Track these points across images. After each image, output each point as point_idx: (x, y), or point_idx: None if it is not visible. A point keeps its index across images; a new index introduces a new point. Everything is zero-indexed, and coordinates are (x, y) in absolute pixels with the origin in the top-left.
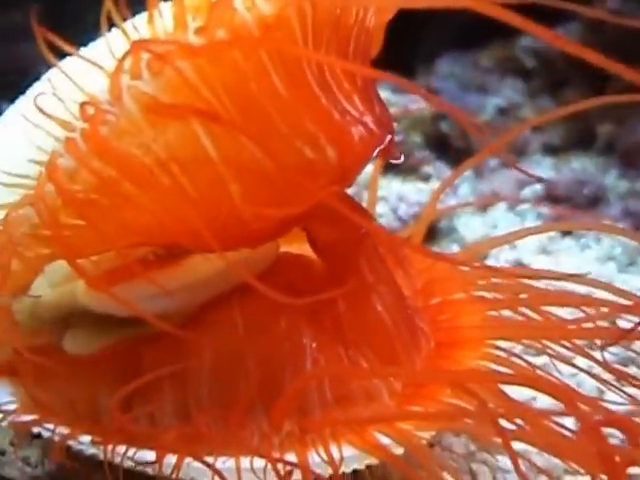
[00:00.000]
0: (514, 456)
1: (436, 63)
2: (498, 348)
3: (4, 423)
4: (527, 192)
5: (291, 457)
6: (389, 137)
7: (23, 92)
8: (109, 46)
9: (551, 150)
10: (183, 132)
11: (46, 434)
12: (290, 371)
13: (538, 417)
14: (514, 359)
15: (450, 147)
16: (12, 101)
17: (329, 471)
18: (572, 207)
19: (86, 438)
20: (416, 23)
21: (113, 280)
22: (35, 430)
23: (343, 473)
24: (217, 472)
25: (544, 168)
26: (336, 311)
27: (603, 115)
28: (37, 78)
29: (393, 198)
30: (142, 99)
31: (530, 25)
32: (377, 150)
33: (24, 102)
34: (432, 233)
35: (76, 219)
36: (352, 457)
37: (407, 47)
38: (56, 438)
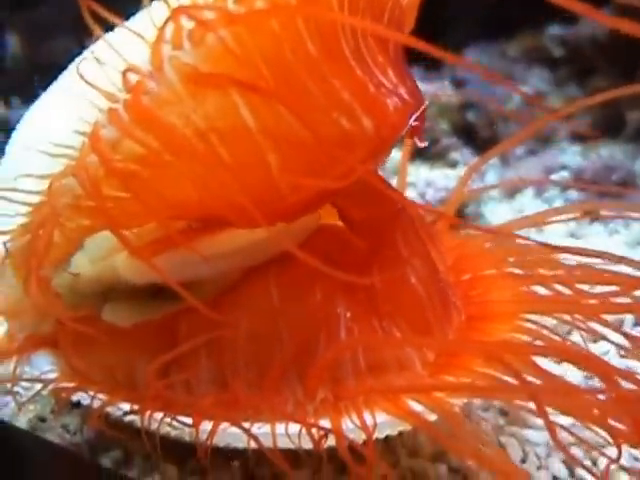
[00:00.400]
0: (548, 422)
1: (463, 53)
2: (530, 322)
3: (45, 391)
4: (554, 179)
5: (325, 423)
6: (422, 107)
7: None
8: (152, 18)
9: (579, 138)
10: (222, 102)
11: (85, 402)
12: (324, 340)
13: (571, 387)
14: (546, 332)
15: (477, 136)
16: None
17: (362, 437)
18: (600, 193)
19: (124, 406)
20: (444, 13)
21: (155, 251)
22: (74, 399)
23: (376, 439)
24: (253, 436)
25: (571, 156)
26: (370, 282)
27: (633, 102)
28: None
29: (421, 184)
30: (183, 69)
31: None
32: (411, 120)
33: (68, 74)
34: (459, 217)
35: (118, 190)
36: (385, 424)
37: (434, 37)
38: (94, 406)
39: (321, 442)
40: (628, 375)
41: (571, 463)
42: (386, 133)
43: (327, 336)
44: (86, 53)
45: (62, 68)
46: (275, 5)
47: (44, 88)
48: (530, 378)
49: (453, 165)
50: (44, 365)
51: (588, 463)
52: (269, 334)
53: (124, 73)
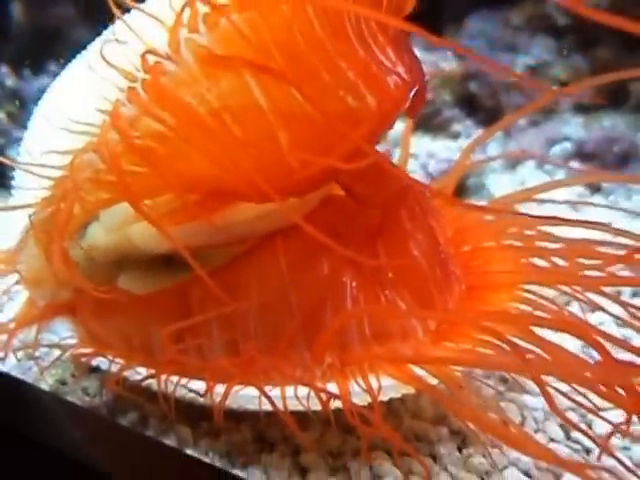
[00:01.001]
0: (544, 389)
1: (465, 21)
2: (530, 292)
3: (65, 356)
4: (556, 150)
5: (332, 387)
6: (420, 84)
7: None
8: (168, 1)
9: (582, 108)
10: (235, 82)
11: (103, 367)
12: (331, 308)
13: (566, 354)
14: (545, 302)
15: (479, 106)
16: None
17: (367, 401)
18: (602, 164)
19: (140, 370)
20: None
21: (170, 221)
22: (93, 363)
23: (380, 403)
24: (267, 396)
25: (574, 127)
26: (376, 254)
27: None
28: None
29: (423, 155)
30: (198, 51)
31: None
32: (410, 96)
33: (90, 53)
34: (461, 190)
35: (136, 165)
36: (389, 387)
37: (435, 5)
38: (112, 370)
39: (328, 404)
40: (623, 344)
41: (567, 426)
42: (388, 108)
43: (334, 304)
44: (106, 34)
45: (65, 34)
46: None
47: (51, 56)
48: (527, 345)
49: (455, 137)
50: (64, 331)
51: (583, 426)
52: (278, 302)
53: (143, 55)
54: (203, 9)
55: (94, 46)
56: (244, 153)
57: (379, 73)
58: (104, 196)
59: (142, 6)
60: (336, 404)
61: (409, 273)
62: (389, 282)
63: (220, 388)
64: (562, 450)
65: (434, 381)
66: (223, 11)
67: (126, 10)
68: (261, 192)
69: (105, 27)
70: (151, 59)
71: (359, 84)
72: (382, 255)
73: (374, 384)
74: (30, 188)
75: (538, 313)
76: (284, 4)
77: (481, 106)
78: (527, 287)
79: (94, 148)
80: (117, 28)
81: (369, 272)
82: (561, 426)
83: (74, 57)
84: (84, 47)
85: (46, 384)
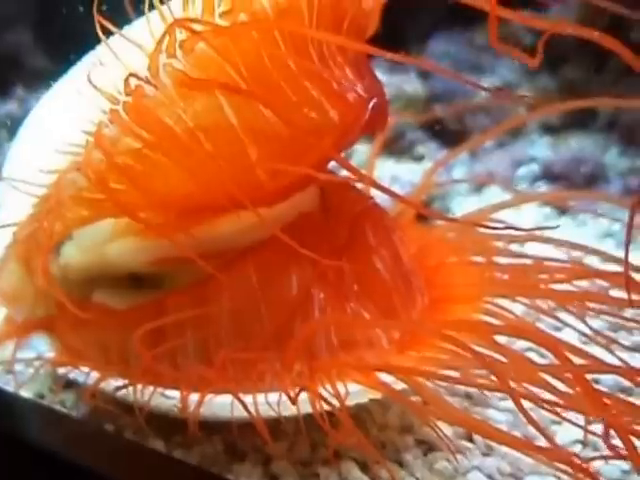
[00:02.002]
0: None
1: (429, 42)
2: (492, 304)
3: (43, 371)
4: (523, 171)
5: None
6: (380, 102)
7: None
8: (148, 27)
9: (549, 129)
10: (209, 103)
11: (80, 380)
12: (300, 318)
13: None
14: (506, 313)
15: (444, 128)
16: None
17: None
18: (569, 186)
19: (116, 382)
20: (409, 1)
21: (149, 235)
22: (70, 377)
23: (347, 408)
24: (240, 400)
25: (541, 147)
26: (341, 268)
27: (604, 92)
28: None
29: (387, 178)
30: (175, 75)
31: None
32: (368, 113)
33: (72, 76)
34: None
35: (118, 183)
36: (355, 393)
37: (399, 26)
38: (88, 383)
39: (297, 400)
40: (581, 353)
41: (530, 437)
42: (349, 121)
43: (302, 315)
44: (89, 57)
45: (23, 60)
46: (255, 19)
47: (11, 82)
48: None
49: (419, 159)
50: (41, 346)
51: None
52: (249, 313)
53: (126, 79)
54: (180, 35)
55: (77, 69)
56: (217, 168)
57: (340, 90)
58: (84, 213)
59: (124, 32)
60: (307, 409)
61: (373, 286)
62: (354, 294)
63: (194, 397)
64: (526, 460)
65: (399, 386)
66: (199, 37)
67: (109, 34)
68: (234, 202)
69: (65, 52)
70: (132, 82)
71: (322, 101)
72: (348, 269)
73: (342, 390)
74: (12, 207)
75: (499, 323)
76: (254, 30)
77: (446, 128)
78: (489, 299)
79: (78, 167)
80: (100, 53)
81: (336, 285)
82: (524, 437)
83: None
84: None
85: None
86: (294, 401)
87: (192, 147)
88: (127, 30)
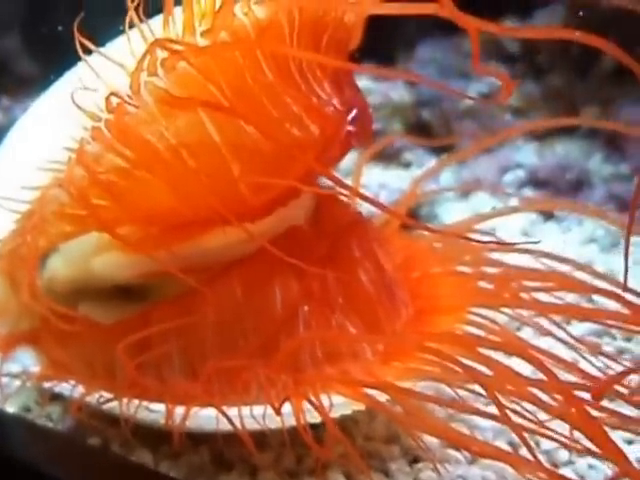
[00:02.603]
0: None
1: (417, 49)
2: (477, 315)
3: (29, 384)
4: (509, 177)
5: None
6: (363, 113)
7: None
8: (128, 45)
9: (535, 135)
10: (190, 120)
11: (66, 394)
12: (285, 331)
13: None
14: (490, 324)
15: (432, 134)
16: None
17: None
18: (555, 191)
19: (102, 396)
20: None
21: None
22: (56, 390)
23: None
24: (225, 414)
25: (527, 154)
26: (326, 281)
27: (588, 99)
28: (21, 75)
29: (374, 185)
30: (157, 93)
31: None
32: (346, 127)
33: (53, 93)
34: (414, 219)
35: (101, 199)
36: (340, 405)
37: (387, 33)
38: (75, 396)
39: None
40: (570, 366)
41: (515, 444)
42: (329, 134)
43: (287, 328)
44: (69, 76)
45: (10, 68)
46: (236, 38)
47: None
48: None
49: (407, 166)
50: (27, 360)
51: (531, 443)
52: (234, 327)
53: (107, 97)
54: (161, 54)
55: (58, 86)
56: (201, 184)
57: (319, 105)
58: (67, 229)
59: (104, 51)
60: (293, 421)
61: (358, 299)
62: (339, 307)
63: (180, 410)
64: (511, 469)
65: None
66: (180, 56)
67: (88, 53)
68: (218, 217)
69: (53, 62)
70: (114, 101)
71: (303, 116)
72: (332, 282)
73: (326, 402)
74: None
75: (483, 334)
76: (235, 49)
77: (433, 134)
78: (474, 310)
79: (60, 183)
80: (81, 71)
81: (320, 298)
82: (509, 444)
83: (24, 91)
84: (32, 81)
85: (11, 411)
86: (278, 412)
87: (175, 164)
88: (108, 48)
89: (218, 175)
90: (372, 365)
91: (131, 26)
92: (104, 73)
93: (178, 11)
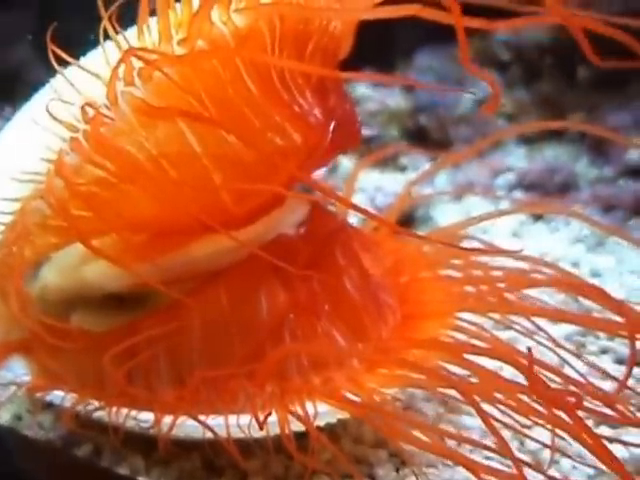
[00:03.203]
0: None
1: (415, 57)
2: (463, 320)
3: (20, 392)
4: (501, 181)
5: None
6: (350, 121)
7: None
8: (105, 56)
9: (525, 140)
10: (170, 130)
11: (57, 402)
12: (271, 339)
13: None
14: (475, 328)
15: (428, 139)
16: (11, 104)
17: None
18: (544, 193)
19: (93, 404)
20: (395, 18)
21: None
22: (48, 399)
23: (322, 429)
24: (208, 427)
25: (517, 158)
26: (312, 288)
27: (575, 105)
28: (33, 83)
29: (371, 189)
30: (134, 103)
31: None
32: (329, 135)
33: (33, 106)
34: (410, 221)
35: (82, 210)
36: (326, 413)
37: (388, 41)
38: (66, 405)
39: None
40: (548, 368)
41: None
42: (312, 143)
43: (273, 337)
44: (48, 87)
45: (24, 76)
46: (214, 46)
47: (8, 98)
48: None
49: (403, 170)
50: (18, 369)
51: (516, 443)
52: (220, 336)
53: (82, 107)
54: (138, 64)
55: (37, 99)
56: (183, 194)
57: (301, 113)
58: (52, 240)
59: (81, 62)
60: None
61: (343, 306)
62: (325, 314)
63: (168, 418)
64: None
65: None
66: (156, 66)
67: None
68: (203, 226)
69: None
70: (91, 111)
71: (285, 124)
72: (318, 289)
73: (312, 410)
74: None
75: (467, 340)
76: (213, 57)
77: (430, 139)
78: (460, 315)
79: (41, 195)
80: (58, 83)
81: (306, 306)
82: (495, 444)
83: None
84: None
85: (2, 420)
86: (261, 427)
87: (156, 174)
88: (84, 60)
89: (200, 184)
90: (357, 373)
91: (107, 37)
92: (82, 84)
93: (154, 21)
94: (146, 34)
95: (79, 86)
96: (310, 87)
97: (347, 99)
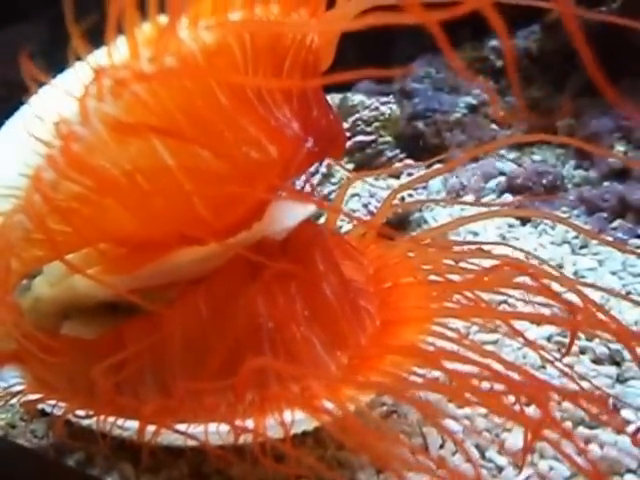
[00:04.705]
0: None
1: (413, 65)
2: (441, 325)
3: (14, 401)
4: (492, 184)
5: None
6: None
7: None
8: (78, 75)
9: (516, 144)
10: (143, 146)
11: (50, 410)
12: (250, 349)
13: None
14: (450, 333)
15: (424, 144)
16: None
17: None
18: (532, 195)
19: (83, 412)
20: (392, 29)
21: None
22: (41, 407)
23: (307, 434)
24: (190, 436)
25: (508, 161)
26: (291, 295)
27: (564, 109)
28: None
29: (365, 194)
30: (106, 119)
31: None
32: (305, 147)
33: (13, 123)
34: (404, 224)
35: (61, 224)
36: (302, 420)
37: (388, 50)
38: (57, 414)
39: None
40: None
41: (482, 446)
42: (288, 156)
43: (252, 345)
44: (25, 106)
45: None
46: (184, 64)
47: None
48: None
49: (397, 176)
50: (12, 378)
51: (496, 446)
52: (200, 345)
53: (56, 124)
54: (109, 81)
55: (17, 116)
56: (159, 208)
57: (277, 126)
58: (38, 253)
59: (55, 81)
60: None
61: (322, 312)
62: (304, 321)
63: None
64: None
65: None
66: (125, 84)
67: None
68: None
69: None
70: (64, 128)
71: (260, 138)
72: (297, 296)
73: (289, 418)
74: None
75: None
76: (182, 75)
77: (425, 146)
78: (439, 321)
79: (22, 209)
80: (34, 101)
81: (285, 312)
82: (476, 447)
83: None
84: None
85: None
86: (237, 437)
87: (131, 189)
88: (59, 79)
89: (175, 198)
90: (335, 381)
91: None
92: (58, 101)
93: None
94: (116, 52)
95: (55, 103)
96: (289, 100)
97: (330, 110)
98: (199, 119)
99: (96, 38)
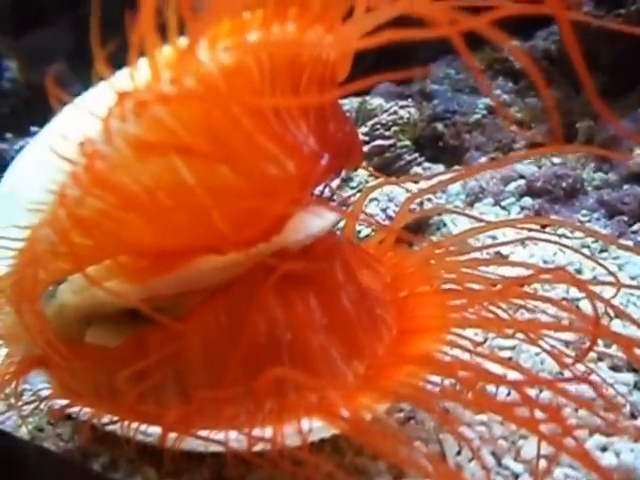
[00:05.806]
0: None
1: (433, 67)
2: (460, 335)
3: (42, 406)
4: (511, 187)
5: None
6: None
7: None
8: (101, 95)
9: (536, 146)
10: (164, 164)
11: (75, 415)
12: (268, 357)
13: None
14: (467, 343)
15: (443, 145)
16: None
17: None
18: (552, 199)
19: (107, 417)
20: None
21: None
22: (66, 411)
23: (325, 441)
24: (216, 441)
25: (527, 164)
26: (309, 305)
27: (583, 112)
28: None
29: (384, 199)
30: (129, 138)
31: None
32: (321, 164)
33: (38, 142)
34: (424, 227)
35: (83, 238)
36: (320, 428)
37: (403, 52)
38: (83, 418)
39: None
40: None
41: (498, 454)
42: (305, 171)
43: (270, 354)
44: (52, 123)
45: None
46: (204, 85)
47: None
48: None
49: (415, 180)
50: (39, 383)
51: (513, 453)
52: (220, 353)
53: (81, 144)
54: (131, 103)
55: (42, 135)
56: (179, 223)
57: (295, 142)
58: (62, 266)
59: (79, 101)
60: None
61: (340, 322)
62: (322, 330)
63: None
64: (492, 477)
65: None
66: (147, 105)
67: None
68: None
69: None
70: (88, 147)
71: (278, 154)
72: (315, 306)
73: (307, 426)
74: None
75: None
76: (201, 97)
77: (444, 148)
78: (455, 330)
79: (47, 224)
80: (60, 120)
81: (303, 322)
82: (492, 454)
83: None
84: None
85: (25, 431)
86: (252, 446)
87: (152, 205)
88: (82, 99)
89: (195, 214)
90: (352, 390)
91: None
92: (82, 120)
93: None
94: (138, 74)
95: (79, 123)
96: (305, 115)
97: (346, 122)
98: (218, 137)
99: (119, 59)
